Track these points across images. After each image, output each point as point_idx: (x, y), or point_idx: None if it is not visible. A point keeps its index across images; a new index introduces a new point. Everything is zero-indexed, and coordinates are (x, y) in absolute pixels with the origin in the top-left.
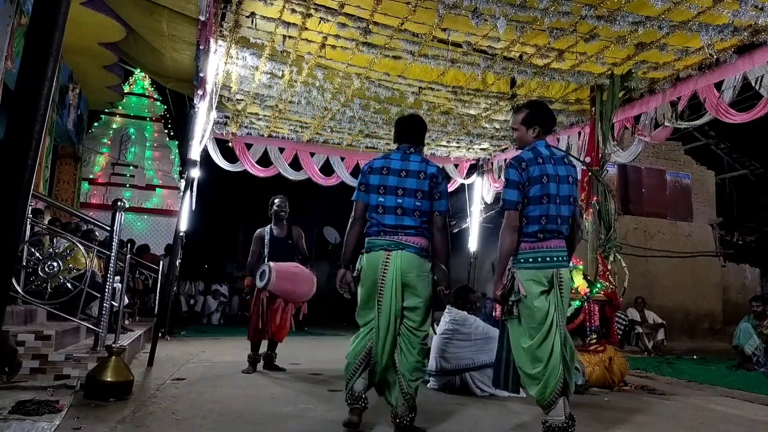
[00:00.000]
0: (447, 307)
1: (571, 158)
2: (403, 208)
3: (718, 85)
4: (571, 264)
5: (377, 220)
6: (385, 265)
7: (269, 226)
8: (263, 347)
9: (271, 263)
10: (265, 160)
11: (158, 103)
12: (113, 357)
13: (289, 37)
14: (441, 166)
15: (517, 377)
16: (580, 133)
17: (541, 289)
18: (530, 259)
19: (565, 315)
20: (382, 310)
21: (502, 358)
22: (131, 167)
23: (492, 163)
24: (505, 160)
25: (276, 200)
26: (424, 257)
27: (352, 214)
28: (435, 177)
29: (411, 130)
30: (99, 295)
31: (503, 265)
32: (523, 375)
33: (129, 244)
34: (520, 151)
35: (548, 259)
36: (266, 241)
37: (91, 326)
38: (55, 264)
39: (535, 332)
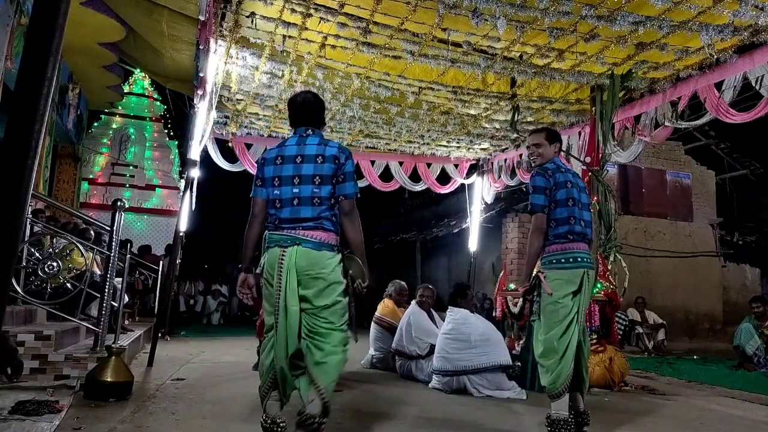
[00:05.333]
0: (449, 307)
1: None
2: (300, 198)
3: (719, 85)
4: None
5: (275, 215)
6: (280, 263)
7: None
8: None
9: None
10: None
11: (158, 103)
12: (113, 357)
13: (289, 37)
14: (343, 146)
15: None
16: (580, 133)
17: (572, 289)
18: (562, 260)
19: (584, 313)
20: (280, 314)
21: (528, 360)
22: (131, 167)
23: (492, 163)
24: (505, 160)
25: None
26: (325, 251)
27: (250, 212)
28: (336, 158)
29: (306, 111)
30: (99, 295)
31: (531, 266)
32: (539, 366)
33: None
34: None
35: (579, 259)
36: None
37: (90, 326)
38: (54, 264)
39: (555, 326)
